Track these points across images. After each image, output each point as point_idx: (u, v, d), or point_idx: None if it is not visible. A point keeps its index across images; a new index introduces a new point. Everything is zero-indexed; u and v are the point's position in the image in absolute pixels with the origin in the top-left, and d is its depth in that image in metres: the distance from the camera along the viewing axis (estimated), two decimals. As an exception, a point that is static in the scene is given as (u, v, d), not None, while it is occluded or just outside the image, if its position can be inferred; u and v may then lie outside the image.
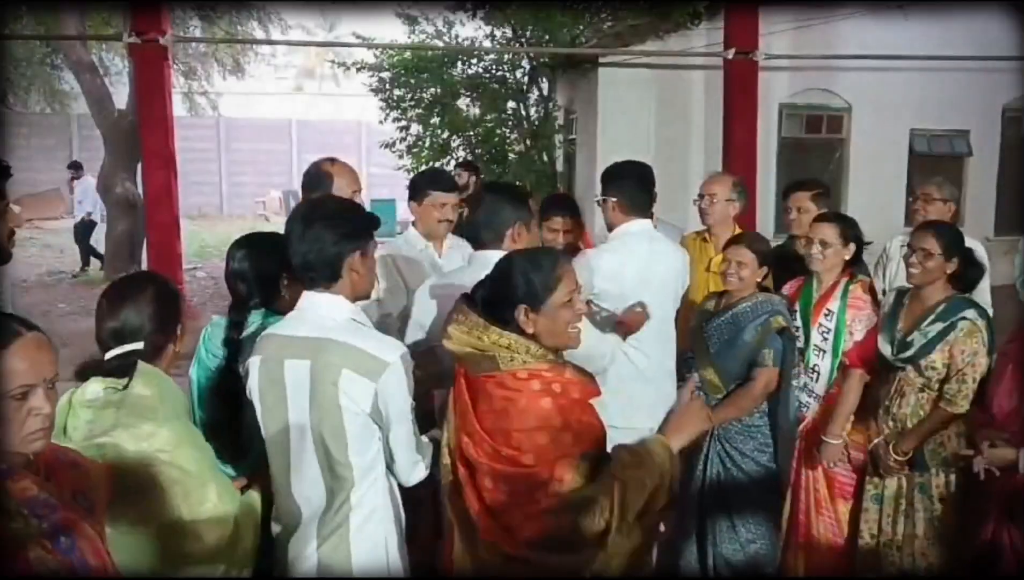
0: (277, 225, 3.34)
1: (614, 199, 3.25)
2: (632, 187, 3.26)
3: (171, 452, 1.98)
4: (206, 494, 2.03)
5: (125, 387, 2.00)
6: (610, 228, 3.32)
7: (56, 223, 17.86)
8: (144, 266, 9.98)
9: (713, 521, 3.31)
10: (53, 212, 18.53)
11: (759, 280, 3.33)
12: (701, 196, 4.01)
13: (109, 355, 2.05)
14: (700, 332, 3.40)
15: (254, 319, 2.44)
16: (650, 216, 3.34)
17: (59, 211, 18.99)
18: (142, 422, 1.97)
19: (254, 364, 2.18)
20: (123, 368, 2.02)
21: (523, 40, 11.28)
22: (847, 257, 3.41)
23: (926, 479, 3.16)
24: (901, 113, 10.53)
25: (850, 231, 3.41)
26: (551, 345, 2.07)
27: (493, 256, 2.33)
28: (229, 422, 2.36)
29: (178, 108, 16.13)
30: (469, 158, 11.87)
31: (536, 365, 2.01)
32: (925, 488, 3.17)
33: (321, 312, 2.14)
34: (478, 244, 2.78)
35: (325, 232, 2.11)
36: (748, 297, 3.30)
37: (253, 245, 2.54)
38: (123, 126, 11.69)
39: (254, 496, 2.24)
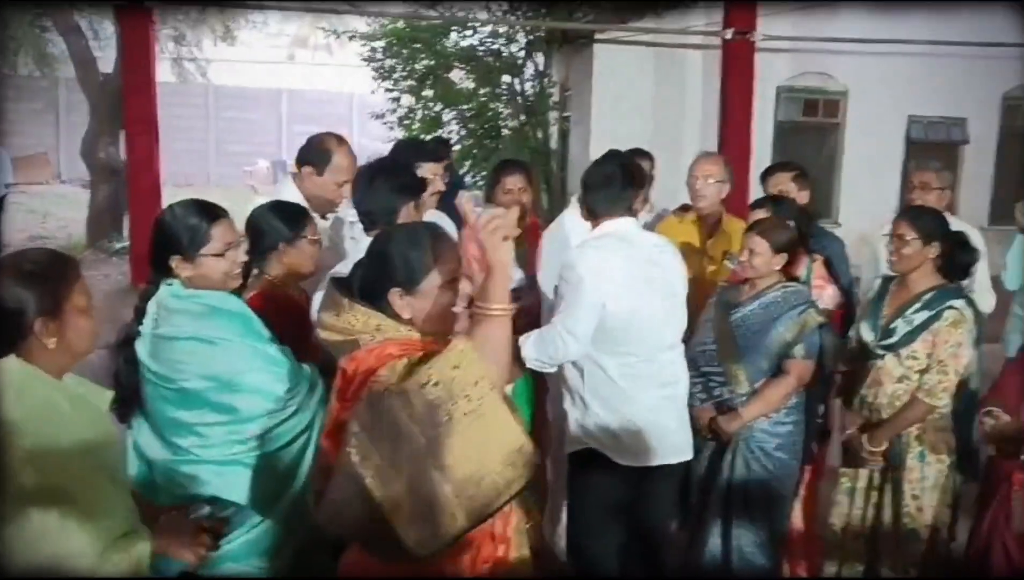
0: (265, 195, 3.19)
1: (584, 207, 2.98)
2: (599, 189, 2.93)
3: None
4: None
5: None
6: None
7: (41, 188, 17.66)
8: (126, 233, 9.85)
9: (738, 522, 3.13)
10: (40, 176, 18.32)
11: (776, 268, 3.12)
12: (694, 176, 3.77)
13: None
14: (725, 322, 3.16)
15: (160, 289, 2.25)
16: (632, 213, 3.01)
17: (45, 175, 18.77)
18: None
19: None
20: None
21: (519, 12, 11.10)
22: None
23: (900, 474, 3.07)
24: (899, 99, 10.41)
25: (786, 211, 3.33)
26: (430, 330, 1.85)
27: None
28: (122, 391, 2.19)
29: (167, 74, 15.86)
30: (462, 132, 11.74)
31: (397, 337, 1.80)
32: (899, 483, 3.08)
33: None
34: None
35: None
36: (775, 286, 3.12)
37: (167, 210, 2.31)
38: (108, 91, 11.51)
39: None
